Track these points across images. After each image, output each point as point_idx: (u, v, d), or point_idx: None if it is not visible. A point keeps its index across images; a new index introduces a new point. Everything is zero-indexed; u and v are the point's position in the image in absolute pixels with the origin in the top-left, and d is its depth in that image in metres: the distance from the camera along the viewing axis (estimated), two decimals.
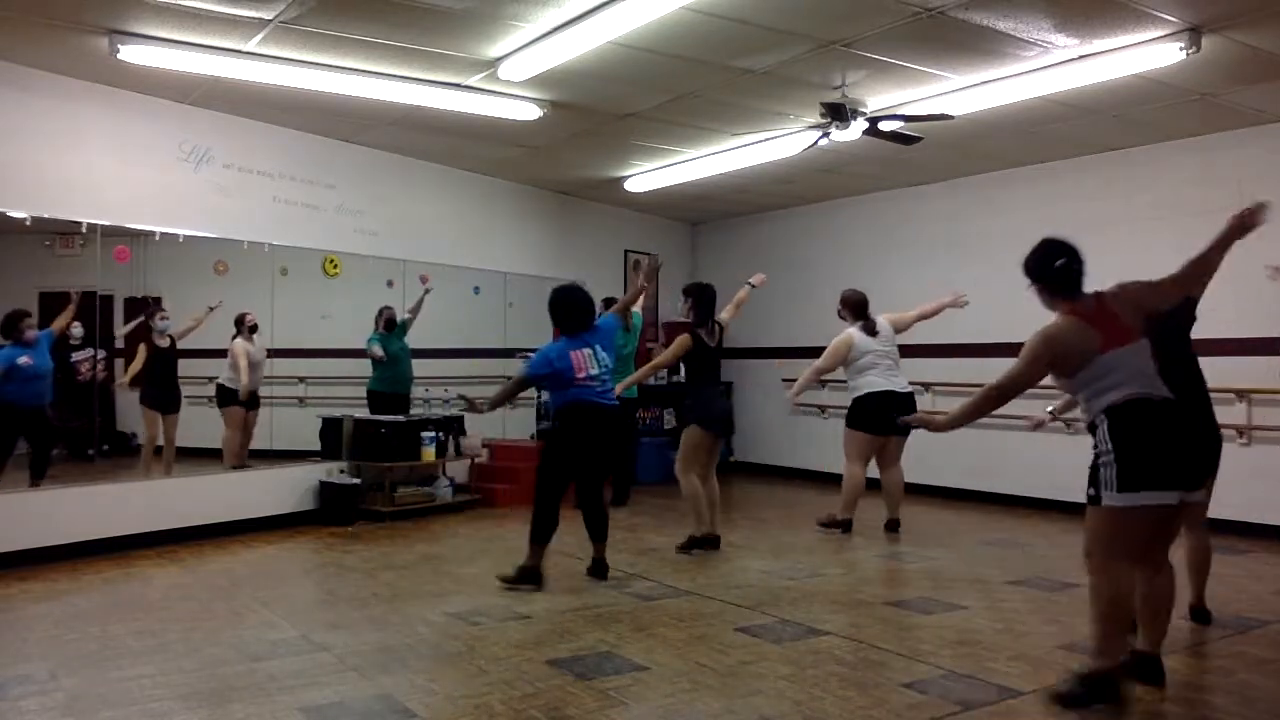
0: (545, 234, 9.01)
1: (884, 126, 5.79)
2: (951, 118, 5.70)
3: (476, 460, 8.06)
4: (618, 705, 3.25)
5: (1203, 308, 4.05)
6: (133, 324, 7.21)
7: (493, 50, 5.25)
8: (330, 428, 7.39)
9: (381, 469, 7.23)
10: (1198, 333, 4.09)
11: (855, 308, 6.39)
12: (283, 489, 6.95)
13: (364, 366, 7.87)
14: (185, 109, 6.39)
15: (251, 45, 5.22)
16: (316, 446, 7.39)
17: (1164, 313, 3.43)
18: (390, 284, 8.04)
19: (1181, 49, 4.83)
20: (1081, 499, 3.27)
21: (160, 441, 6.99)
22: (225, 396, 7.30)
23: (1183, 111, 6.09)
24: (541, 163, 7.93)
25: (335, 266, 7.88)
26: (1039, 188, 7.58)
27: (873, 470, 6.45)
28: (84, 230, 6.14)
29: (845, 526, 6.37)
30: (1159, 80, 5.46)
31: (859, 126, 5.77)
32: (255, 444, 7.42)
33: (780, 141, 6.87)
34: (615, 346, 5.45)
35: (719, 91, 5.91)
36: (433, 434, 7.36)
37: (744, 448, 9.93)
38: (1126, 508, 3.10)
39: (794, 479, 9.34)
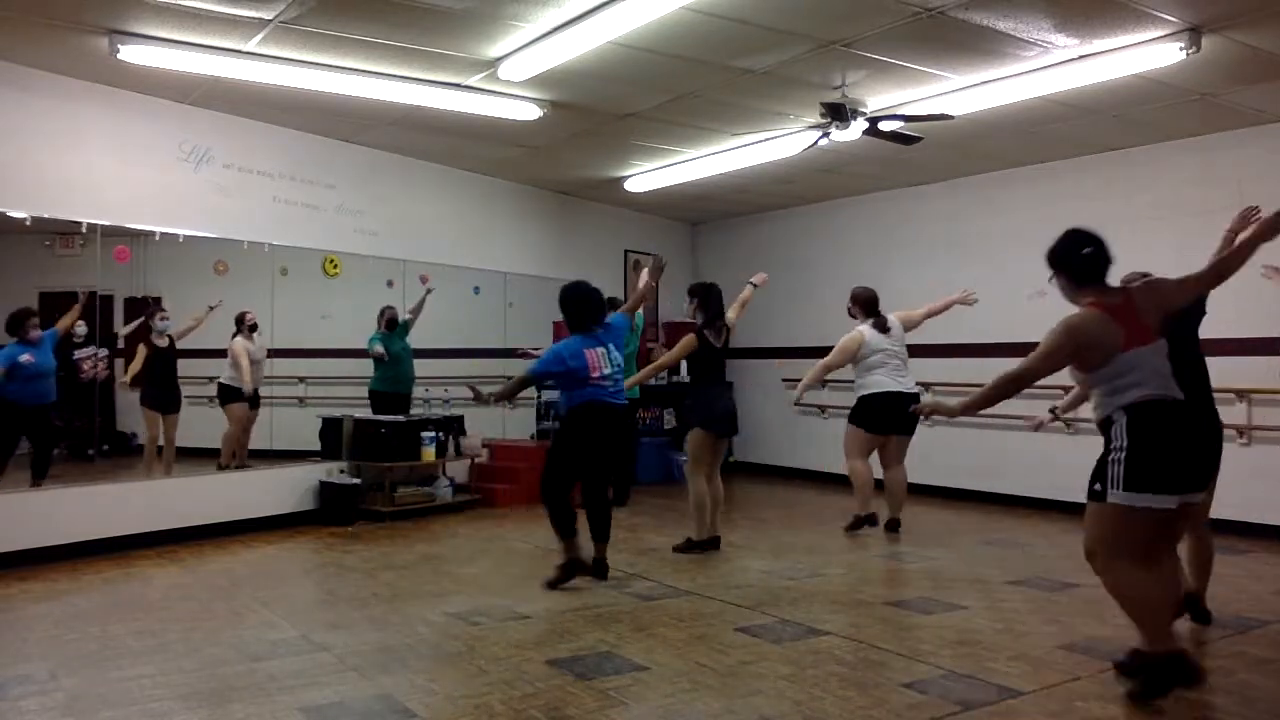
0: (545, 234, 9.01)
1: (884, 126, 5.79)
2: (951, 118, 5.70)
3: (476, 460, 8.06)
4: (618, 705, 3.25)
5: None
6: (133, 324, 7.21)
7: (493, 50, 5.25)
8: (330, 428, 7.39)
9: (381, 469, 7.23)
10: (1198, 332, 4.09)
11: (866, 305, 6.38)
12: (283, 489, 6.96)
13: (364, 366, 7.87)
14: (185, 109, 6.40)
15: (251, 45, 5.22)
16: (316, 446, 7.40)
17: (1178, 311, 3.43)
18: (390, 284, 8.05)
19: (1181, 49, 4.83)
20: (1081, 499, 3.27)
21: (161, 442, 7.00)
22: (227, 394, 7.32)
23: (1183, 111, 6.09)
24: (541, 163, 7.93)
25: (335, 266, 7.88)
26: (1039, 188, 7.58)
27: (877, 471, 6.47)
28: (84, 230, 6.15)
29: (870, 521, 6.37)
30: (1159, 80, 5.46)
31: (859, 126, 5.77)
32: (255, 444, 7.43)
33: (780, 141, 6.87)
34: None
35: (719, 91, 5.91)
36: (433, 434, 7.36)
37: (744, 448, 9.92)
38: (1129, 507, 3.10)
39: (794, 479, 9.34)
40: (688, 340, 5.75)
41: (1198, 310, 4.01)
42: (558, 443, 5.04)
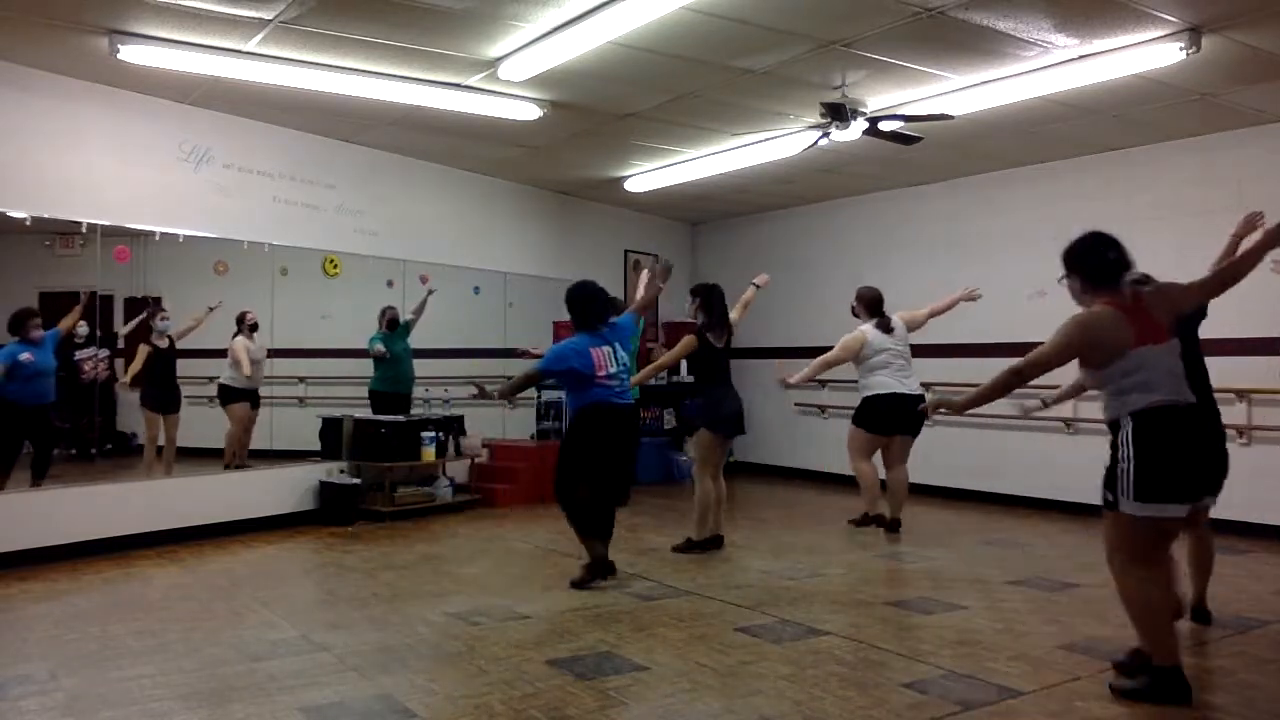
0: (545, 234, 9.01)
1: (884, 126, 5.79)
2: (951, 118, 5.70)
3: (476, 460, 8.06)
4: (618, 705, 3.25)
5: None
6: (133, 324, 7.21)
7: (493, 50, 5.25)
8: (330, 428, 7.39)
9: (381, 469, 7.23)
10: (1199, 332, 4.09)
11: (870, 305, 6.37)
12: (283, 489, 6.96)
13: (364, 366, 7.87)
14: (185, 109, 6.40)
15: (251, 45, 5.22)
16: (316, 446, 7.39)
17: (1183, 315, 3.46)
18: (390, 284, 8.05)
19: (1181, 49, 4.83)
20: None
21: (161, 442, 7.00)
22: (228, 394, 7.32)
23: (1183, 111, 6.09)
24: (541, 163, 7.93)
25: (335, 266, 7.88)
26: (1039, 188, 7.58)
27: (880, 472, 6.47)
28: (84, 230, 6.15)
29: (878, 521, 6.36)
30: (1159, 80, 5.46)
31: (859, 126, 5.77)
32: (255, 444, 7.43)
33: (780, 141, 6.87)
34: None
35: (719, 91, 5.91)
36: (433, 434, 7.36)
37: (744, 448, 9.91)
38: (1140, 517, 3.11)
39: (794, 479, 9.34)
40: (687, 341, 5.77)
41: (1198, 312, 4.02)
42: (567, 445, 5.02)
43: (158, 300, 7.25)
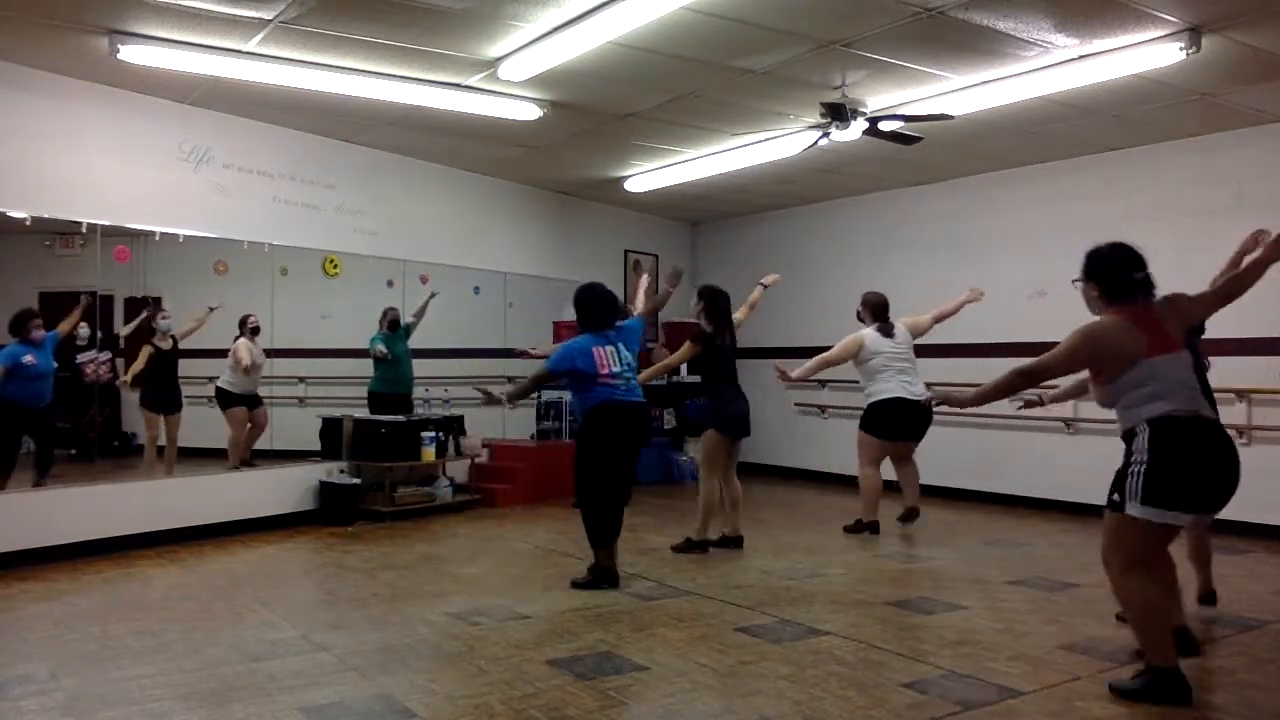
0: (545, 234, 9.01)
1: (884, 126, 5.79)
2: (951, 118, 5.70)
3: (476, 460, 8.06)
4: (618, 705, 3.25)
5: None
6: (134, 324, 7.21)
7: (493, 50, 5.25)
8: (330, 428, 7.39)
9: (381, 469, 7.23)
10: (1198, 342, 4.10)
11: (875, 309, 6.37)
12: (283, 489, 6.95)
13: (364, 366, 7.87)
14: (185, 109, 6.40)
15: (251, 45, 5.22)
16: (316, 446, 7.39)
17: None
18: (390, 284, 8.04)
19: (1181, 49, 4.83)
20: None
21: (162, 442, 6.99)
22: (225, 399, 7.29)
23: (1183, 111, 6.09)
24: (541, 163, 7.93)
25: (335, 266, 7.88)
26: (1039, 188, 7.57)
27: (890, 474, 6.49)
28: (84, 230, 6.15)
29: (872, 528, 6.36)
30: (1159, 80, 5.46)
31: (859, 126, 5.77)
32: (255, 444, 7.41)
33: (780, 141, 6.87)
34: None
35: (719, 91, 5.91)
36: (433, 434, 7.36)
37: (745, 447, 9.86)
38: (1143, 520, 3.11)
39: (794, 479, 9.34)
40: (689, 346, 5.79)
41: (1199, 327, 4.03)
42: (582, 448, 4.97)
43: (158, 300, 7.25)
